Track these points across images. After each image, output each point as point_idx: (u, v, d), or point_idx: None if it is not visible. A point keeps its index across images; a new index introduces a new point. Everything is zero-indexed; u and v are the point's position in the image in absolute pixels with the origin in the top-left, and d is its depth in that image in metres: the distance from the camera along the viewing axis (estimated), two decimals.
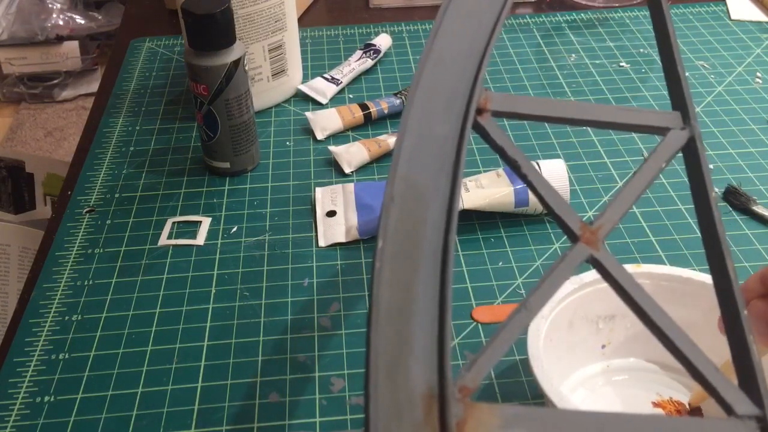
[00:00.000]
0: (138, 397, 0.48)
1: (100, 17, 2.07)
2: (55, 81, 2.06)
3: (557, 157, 0.66)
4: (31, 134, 1.93)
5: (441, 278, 0.24)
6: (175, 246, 0.59)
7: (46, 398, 0.48)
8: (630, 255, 0.56)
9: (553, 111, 0.30)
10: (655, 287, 0.46)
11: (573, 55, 0.81)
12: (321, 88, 0.76)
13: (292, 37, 0.72)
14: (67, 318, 0.53)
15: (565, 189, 0.58)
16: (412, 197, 0.26)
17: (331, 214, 0.61)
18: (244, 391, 0.48)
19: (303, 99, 0.76)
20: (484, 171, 0.62)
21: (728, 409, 0.26)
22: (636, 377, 0.47)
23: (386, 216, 0.25)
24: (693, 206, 0.61)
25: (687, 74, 0.78)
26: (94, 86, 2.07)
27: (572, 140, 0.69)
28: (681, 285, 0.46)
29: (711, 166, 0.65)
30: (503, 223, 0.60)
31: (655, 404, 0.46)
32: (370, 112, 0.71)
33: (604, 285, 0.45)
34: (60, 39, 2.00)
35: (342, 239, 0.59)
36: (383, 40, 0.82)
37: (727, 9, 0.89)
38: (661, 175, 0.61)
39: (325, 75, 0.77)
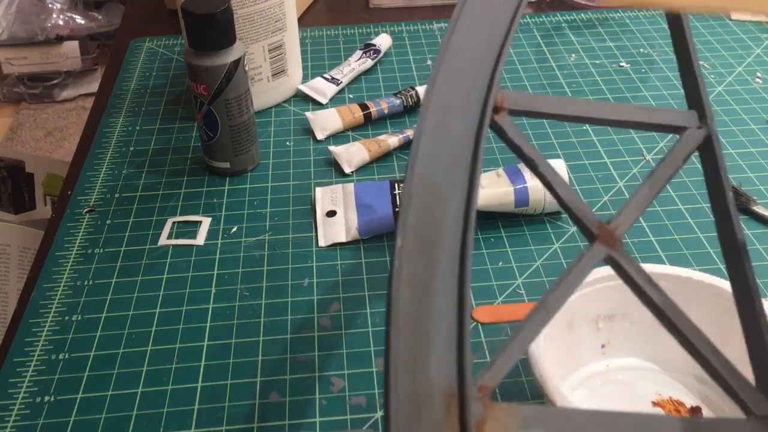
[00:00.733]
0: (138, 397, 0.48)
1: (100, 17, 2.07)
2: (55, 81, 2.06)
3: (557, 157, 0.66)
4: (31, 134, 1.93)
5: (459, 277, 0.24)
6: (175, 246, 0.59)
7: (46, 398, 0.48)
8: (630, 255, 0.56)
9: (570, 110, 0.30)
10: None
11: (573, 55, 0.81)
12: (321, 88, 0.76)
13: (292, 37, 0.72)
14: (67, 318, 0.53)
15: None
16: (430, 196, 0.26)
17: (331, 214, 0.61)
18: (244, 391, 0.48)
19: (303, 99, 0.76)
20: (484, 171, 0.62)
21: (746, 410, 0.26)
22: (636, 377, 0.47)
23: (405, 215, 0.25)
24: (693, 206, 0.61)
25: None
26: (94, 86, 2.07)
27: (572, 140, 0.69)
28: (681, 285, 0.46)
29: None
30: (503, 223, 0.60)
31: (655, 404, 0.46)
32: (370, 112, 0.71)
33: (604, 285, 0.46)
34: (60, 39, 2.00)
35: (342, 239, 0.59)
36: (383, 40, 0.82)
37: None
38: None
39: (325, 75, 0.77)
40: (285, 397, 0.47)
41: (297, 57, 0.75)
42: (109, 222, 0.61)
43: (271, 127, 0.72)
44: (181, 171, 0.66)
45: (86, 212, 0.62)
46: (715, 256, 0.57)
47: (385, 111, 0.72)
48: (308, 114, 0.71)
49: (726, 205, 0.31)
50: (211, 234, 0.60)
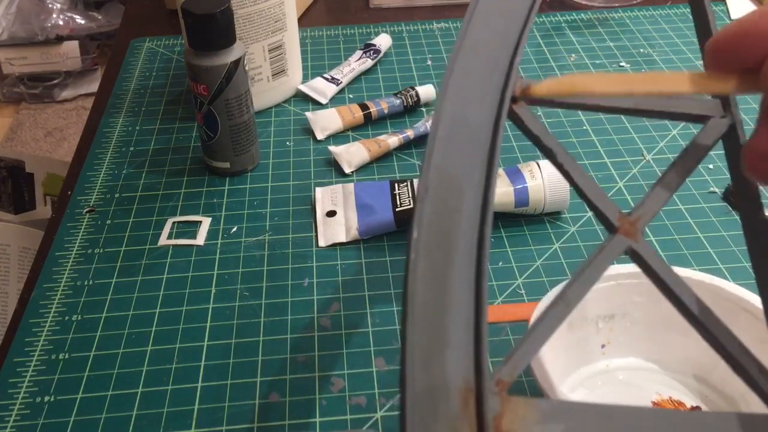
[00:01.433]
0: (138, 397, 0.48)
1: (100, 17, 2.07)
2: (55, 81, 2.06)
3: None
4: (31, 134, 1.93)
5: (477, 270, 0.24)
6: (175, 246, 0.59)
7: (46, 398, 0.48)
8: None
9: (591, 100, 0.30)
10: (652, 286, 0.46)
11: (573, 55, 0.81)
12: (321, 88, 0.76)
13: (292, 37, 0.72)
14: (67, 318, 0.53)
15: (565, 189, 0.58)
16: (447, 188, 0.25)
17: (331, 214, 0.61)
18: (244, 390, 0.48)
19: (303, 99, 0.76)
20: None
21: None
22: (636, 377, 0.48)
23: (421, 207, 0.25)
24: (694, 206, 0.61)
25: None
26: (94, 86, 2.07)
27: (572, 140, 0.69)
28: None
29: (711, 166, 0.65)
30: (503, 223, 0.60)
31: (655, 404, 0.46)
32: (370, 112, 0.71)
33: (604, 285, 0.46)
34: (60, 39, 2.00)
35: (342, 239, 0.59)
36: (383, 40, 0.82)
37: (728, 8, 0.89)
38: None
39: (325, 75, 0.77)
40: (285, 397, 0.47)
41: (297, 57, 0.75)
42: (109, 222, 0.61)
43: (271, 127, 0.72)
44: (181, 171, 0.66)
45: (86, 212, 0.62)
46: (714, 256, 0.57)
47: (385, 111, 0.72)
48: (308, 114, 0.71)
49: (756, 193, 0.30)
50: (211, 234, 0.60)
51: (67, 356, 0.50)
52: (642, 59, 0.81)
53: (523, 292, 0.54)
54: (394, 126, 0.71)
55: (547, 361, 0.41)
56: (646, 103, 0.30)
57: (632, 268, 0.46)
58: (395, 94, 0.73)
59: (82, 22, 2.03)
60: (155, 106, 0.75)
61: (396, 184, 0.61)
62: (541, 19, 0.88)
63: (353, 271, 0.56)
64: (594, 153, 0.67)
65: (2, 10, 1.94)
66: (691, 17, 0.86)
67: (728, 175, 0.64)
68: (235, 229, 0.60)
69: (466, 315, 0.23)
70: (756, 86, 0.26)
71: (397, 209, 0.59)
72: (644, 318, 0.47)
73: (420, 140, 0.69)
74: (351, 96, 0.76)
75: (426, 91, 0.73)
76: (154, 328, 0.52)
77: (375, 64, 0.80)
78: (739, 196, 0.31)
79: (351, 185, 0.63)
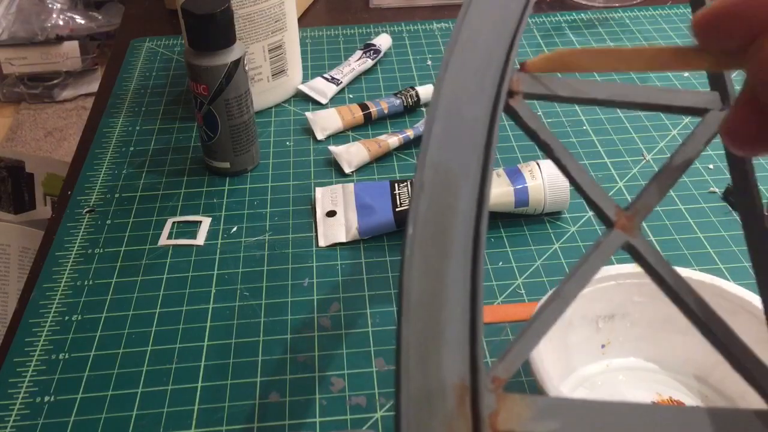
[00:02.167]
0: (138, 397, 0.48)
1: (100, 17, 2.07)
2: (55, 81, 2.06)
3: None
4: (31, 134, 1.93)
5: (472, 266, 0.24)
6: (175, 246, 0.59)
7: (47, 398, 0.48)
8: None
9: (588, 92, 0.29)
10: (653, 286, 0.46)
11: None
12: (321, 88, 0.76)
13: (292, 37, 0.72)
14: (67, 318, 0.53)
15: (565, 188, 0.58)
16: (442, 183, 0.25)
17: (331, 214, 0.61)
18: (244, 391, 0.48)
19: (303, 99, 0.76)
20: None
21: None
22: (636, 376, 0.48)
23: (416, 202, 0.24)
24: (693, 206, 0.61)
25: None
26: (94, 86, 2.07)
27: (572, 140, 0.69)
28: None
29: (711, 166, 0.65)
30: (503, 223, 0.60)
31: (655, 404, 0.46)
32: (370, 112, 0.71)
33: (604, 285, 0.46)
34: (60, 39, 2.00)
35: (342, 239, 0.59)
36: (383, 40, 0.82)
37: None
38: None
39: (325, 75, 0.77)
40: (285, 397, 0.47)
41: (297, 57, 0.75)
42: (109, 222, 0.61)
43: (271, 127, 0.72)
44: (181, 171, 0.66)
45: (86, 212, 0.62)
46: (714, 256, 0.57)
47: (385, 111, 0.72)
48: (308, 114, 0.71)
49: (754, 187, 0.29)
50: (211, 234, 0.60)
51: (67, 356, 0.50)
52: None
53: (523, 292, 0.54)
54: (394, 126, 0.71)
55: (547, 360, 0.41)
56: (644, 96, 0.30)
57: (633, 267, 0.46)
58: (395, 94, 0.73)
59: (82, 22, 2.03)
60: (155, 106, 0.75)
61: (396, 184, 0.61)
62: (540, 19, 0.89)
63: (353, 271, 0.56)
64: (594, 153, 0.67)
65: (2, 10, 1.94)
66: (675, 18, 0.86)
67: (728, 175, 0.64)
68: (235, 229, 0.60)
69: (461, 312, 0.23)
70: (738, 64, 0.25)
71: (397, 209, 0.59)
72: (645, 318, 0.47)
73: (420, 140, 0.68)
74: (351, 96, 0.76)
75: (426, 91, 0.73)
76: (154, 328, 0.52)
77: (375, 64, 0.80)
78: (739, 194, 0.30)
79: (351, 185, 0.63)
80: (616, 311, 0.47)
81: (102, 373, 0.49)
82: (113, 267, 0.57)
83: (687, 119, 0.71)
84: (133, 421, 0.46)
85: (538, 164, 0.60)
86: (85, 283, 0.56)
